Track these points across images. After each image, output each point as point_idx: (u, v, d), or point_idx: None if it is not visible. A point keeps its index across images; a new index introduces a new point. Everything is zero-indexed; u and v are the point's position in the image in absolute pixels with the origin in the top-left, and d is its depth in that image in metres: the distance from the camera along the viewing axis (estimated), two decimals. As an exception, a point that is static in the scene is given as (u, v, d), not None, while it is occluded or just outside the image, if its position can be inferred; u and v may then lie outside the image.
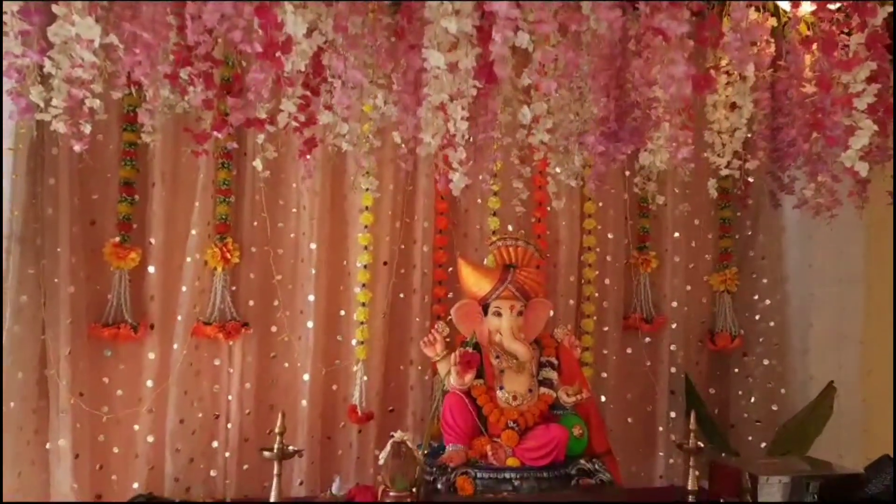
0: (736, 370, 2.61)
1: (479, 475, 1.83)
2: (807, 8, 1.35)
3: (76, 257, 2.02)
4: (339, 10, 1.27)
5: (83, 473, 2.03)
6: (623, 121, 1.70)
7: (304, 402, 2.21)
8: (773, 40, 1.74)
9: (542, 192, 2.34)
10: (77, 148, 1.58)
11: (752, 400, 2.56)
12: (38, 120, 1.53)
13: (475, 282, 2.06)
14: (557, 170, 1.84)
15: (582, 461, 1.89)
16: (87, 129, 1.56)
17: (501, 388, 1.95)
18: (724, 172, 1.70)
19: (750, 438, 2.53)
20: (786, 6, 1.65)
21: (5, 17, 1.32)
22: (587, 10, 1.23)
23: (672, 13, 1.14)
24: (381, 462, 1.78)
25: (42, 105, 1.42)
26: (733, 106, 1.51)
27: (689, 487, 1.86)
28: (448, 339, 2.07)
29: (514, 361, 1.97)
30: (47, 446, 2.02)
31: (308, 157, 1.67)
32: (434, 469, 1.85)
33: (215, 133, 1.47)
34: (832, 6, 1.27)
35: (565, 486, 1.84)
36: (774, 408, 2.53)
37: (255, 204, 2.25)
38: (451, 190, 1.58)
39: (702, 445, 1.87)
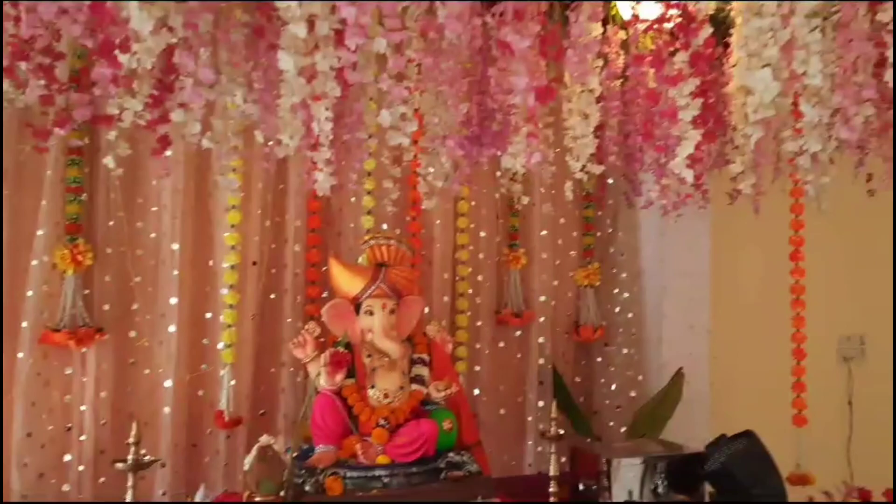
0: (599, 359, 2.78)
1: (348, 475, 1.84)
2: (640, 27, 1.47)
3: None
4: (189, 7, 1.23)
5: None
6: (485, 125, 1.76)
7: (167, 410, 2.13)
8: (622, 52, 1.86)
9: (417, 191, 2.38)
10: None
11: (613, 387, 2.73)
12: None
13: (347, 281, 2.06)
14: (431, 169, 1.89)
15: (451, 454, 1.95)
16: None
17: (373, 387, 1.97)
18: (578, 176, 1.79)
19: (612, 424, 2.70)
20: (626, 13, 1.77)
21: None
22: (443, 19, 1.27)
23: (516, 27, 1.20)
24: (245, 468, 1.76)
25: None
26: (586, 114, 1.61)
27: (552, 473, 1.96)
28: (322, 339, 2.07)
29: (385, 359, 1.99)
30: None
31: (166, 154, 1.61)
32: (303, 471, 1.85)
33: (57, 130, 1.39)
34: (667, 25, 1.38)
35: (435, 480, 1.89)
36: (633, 394, 2.70)
37: (110, 202, 2.14)
38: (317, 190, 1.58)
39: (562, 433, 1.97)
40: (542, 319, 2.63)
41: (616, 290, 2.79)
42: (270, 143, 1.61)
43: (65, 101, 1.39)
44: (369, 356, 2.00)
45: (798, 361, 2.47)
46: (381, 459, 1.88)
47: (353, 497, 1.81)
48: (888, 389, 3.08)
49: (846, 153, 1.92)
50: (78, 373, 2.09)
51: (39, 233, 2.01)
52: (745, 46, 1.43)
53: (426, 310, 2.37)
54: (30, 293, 1.99)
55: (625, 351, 2.75)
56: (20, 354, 1.98)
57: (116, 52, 1.14)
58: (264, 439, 1.77)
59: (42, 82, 1.36)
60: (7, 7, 1.31)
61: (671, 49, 1.41)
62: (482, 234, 2.59)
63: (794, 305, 2.47)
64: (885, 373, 3.11)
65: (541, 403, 2.59)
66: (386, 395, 1.96)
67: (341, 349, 1.97)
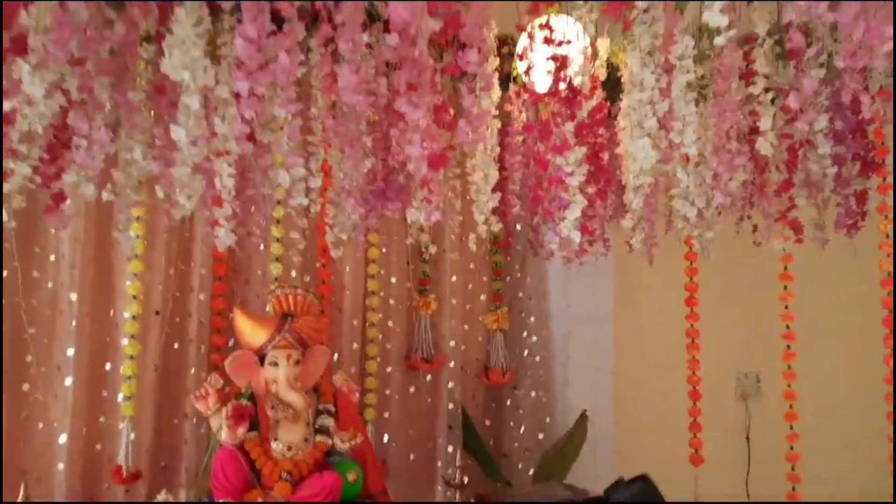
0: (508, 402, 2.85)
1: (250, 530, 1.84)
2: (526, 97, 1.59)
3: None
4: (85, 70, 1.26)
5: None
6: (390, 179, 1.82)
7: (61, 465, 2.08)
8: (523, 111, 1.98)
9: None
10: None
11: (522, 430, 2.81)
12: None
13: (251, 332, 2.07)
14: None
15: (356, 505, 1.97)
16: None
17: (276, 440, 1.98)
18: (482, 229, 1.88)
19: (520, 466, 2.77)
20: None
21: None
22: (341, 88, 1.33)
23: (410, 98, 1.28)
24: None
25: None
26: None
27: (456, 522, 2.01)
28: (226, 390, 2.06)
29: (290, 411, 2.00)
30: None
31: (61, 208, 1.61)
32: (203, 528, 1.84)
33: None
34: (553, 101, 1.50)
35: (338, 533, 1.91)
36: (541, 436, 2.79)
37: (5, 252, 2.10)
38: (217, 245, 1.61)
39: (466, 480, 2.03)
40: (451, 364, 2.70)
41: (525, 334, 2.89)
42: (170, 198, 1.62)
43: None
44: (273, 408, 2.00)
45: (694, 402, 2.61)
46: (284, 513, 1.89)
47: (253, 553, 1.80)
48: (782, 423, 3.29)
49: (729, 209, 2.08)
50: (-36, 430, 2.02)
51: (-77, 284, 1.95)
52: (628, 116, 1.55)
53: (335, 357, 2.42)
54: (-88, 349, 1.92)
55: (533, 394, 2.84)
56: None
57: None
58: (162, 496, 1.75)
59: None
60: None
61: (558, 119, 1.52)
62: (393, 280, 2.65)
63: (690, 348, 2.62)
64: (780, 408, 3.32)
65: (450, 448, 2.64)
66: (290, 448, 1.97)
67: (244, 402, 1.98)
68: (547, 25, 1.51)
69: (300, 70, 1.39)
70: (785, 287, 2.35)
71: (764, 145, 1.60)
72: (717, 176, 1.59)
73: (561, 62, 1.47)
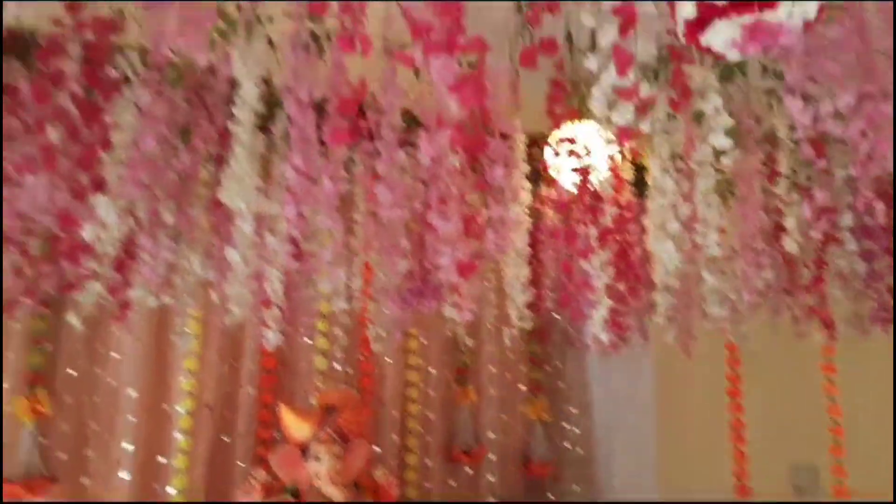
0: (549, 495, 2.85)
1: None
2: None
3: None
4: (152, 194, 1.42)
5: None
6: (426, 280, 1.94)
7: (118, 558, 2.16)
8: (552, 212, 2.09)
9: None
10: None
11: (564, 526, 2.80)
12: None
13: (295, 426, 2.17)
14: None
15: None
16: None
17: (319, 534, 2.04)
18: (517, 324, 1.97)
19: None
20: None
21: None
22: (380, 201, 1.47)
23: (440, 210, 1.41)
24: None
25: None
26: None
27: None
28: (273, 482, 2.14)
29: (331, 505, 2.07)
30: None
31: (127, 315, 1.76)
32: None
33: (27, 301, 1.54)
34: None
35: None
36: (586, 534, 2.77)
37: (73, 353, 2.26)
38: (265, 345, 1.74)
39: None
40: (491, 456, 2.72)
41: (566, 425, 2.91)
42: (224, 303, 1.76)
43: (35, 274, 1.54)
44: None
45: (742, 499, 2.57)
46: None
47: None
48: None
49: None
50: (28, 522, 2.13)
51: (4, 387, 2.11)
52: (653, 218, 1.65)
53: (377, 449, 2.48)
54: (-12, 443, 2.06)
55: (574, 487, 2.83)
56: (-26, 505, 2.02)
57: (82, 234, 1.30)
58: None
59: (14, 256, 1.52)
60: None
61: (581, 225, 1.62)
62: (432, 370, 2.73)
63: (735, 441, 2.61)
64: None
65: (491, 543, 2.64)
66: (332, 543, 2.03)
67: (288, 496, 2.05)
68: (570, 140, 1.64)
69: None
70: (829, 380, 2.34)
71: (790, 244, 1.66)
72: (745, 274, 1.65)
73: (583, 173, 1.59)
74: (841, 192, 1.66)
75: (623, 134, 1.15)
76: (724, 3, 0.96)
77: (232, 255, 1.36)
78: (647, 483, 2.85)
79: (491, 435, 2.75)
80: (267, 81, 1.46)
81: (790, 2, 0.95)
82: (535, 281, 2.05)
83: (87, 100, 1.21)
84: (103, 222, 1.34)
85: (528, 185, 1.78)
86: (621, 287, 1.88)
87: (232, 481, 2.35)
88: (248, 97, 1.25)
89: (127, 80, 1.35)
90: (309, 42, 1.27)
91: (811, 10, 0.95)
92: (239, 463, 2.37)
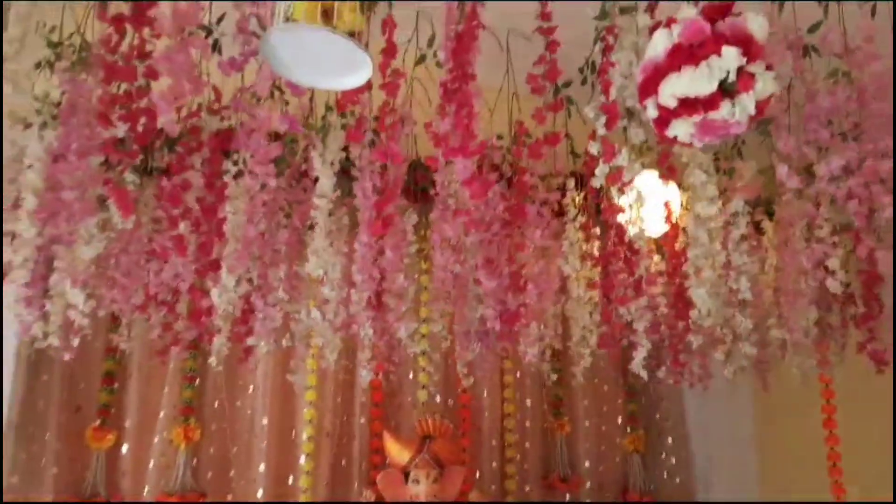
0: (649, 525, 2.97)
1: None
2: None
3: (60, 443, 2.46)
4: (262, 262, 1.81)
5: None
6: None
7: (254, 565, 2.58)
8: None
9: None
10: (66, 357, 2.07)
11: (665, 553, 2.91)
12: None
13: (397, 452, 2.49)
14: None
15: None
16: (76, 342, 2.06)
17: (418, 550, 2.33)
18: (584, 363, 2.17)
19: (664, 590, 2.85)
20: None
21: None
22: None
23: (487, 271, 1.67)
24: None
25: (41, 336, 1.93)
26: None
27: None
28: (380, 502, 2.47)
29: (429, 525, 2.36)
30: None
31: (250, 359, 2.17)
32: None
33: (174, 349, 1.98)
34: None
35: None
36: (686, 562, 2.87)
37: (216, 387, 2.73)
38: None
39: None
40: (588, 485, 2.90)
41: (663, 455, 3.03)
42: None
43: (181, 327, 1.98)
44: (416, 522, 2.37)
45: (843, 530, 2.58)
46: None
47: None
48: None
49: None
50: (184, 531, 2.59)
51: (161, 415, 2.60)
52: (690, 266, 1.82)
53: (476, 475, 2.75)
54: (151, 464, 2.55)
55: (673, 515, 2.94)
56: (141, 516, 2.51)
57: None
58: None
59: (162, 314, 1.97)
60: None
61: (620, 275, 1.82)
62: (528, 402, 2.96)
63: (832, 472, 2.62)
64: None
65: (590, 568, 2.81)
66: (429, 557, 2.32)
67: (391, 515, 2.37)
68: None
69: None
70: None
71: (833, 285, 1.77)
72: (781, 316, 1.78)
73: (617, 229, 1.80)
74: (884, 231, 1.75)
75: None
76: (676, 106, 1.18)
77: (315, 313, 1.71)
78: (749, 512, 2.90)
79: (587, 464, 2.93)
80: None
81: (729, 103, 1.15)
82: (605, 316, 2.25)
83: (206, 200, 1.61)
84: (225, 287, 1.73)
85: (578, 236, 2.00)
86: (681, 325, 2.05)
87: (348, 500, 2.71)
88: (324, 189, 1.60)
89: (239, 174, 1.75)
90: (372, 138, 1.60)
91: (750, 106, 1.15)
92: (355, 484, 2.73)
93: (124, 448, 2.56)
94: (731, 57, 1.12)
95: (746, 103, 1.14)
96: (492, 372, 2.85)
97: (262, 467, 2.66)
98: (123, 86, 1.42)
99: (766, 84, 1.14)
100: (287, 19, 1.00)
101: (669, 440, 3.04)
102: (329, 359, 1.87)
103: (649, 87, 1.19)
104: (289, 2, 1.00)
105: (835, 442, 2.63)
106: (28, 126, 1.78)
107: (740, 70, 1.13)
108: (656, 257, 1.91)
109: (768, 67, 1.15)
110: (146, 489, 2.54)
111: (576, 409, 2.99)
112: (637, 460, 2.99)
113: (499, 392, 2.93)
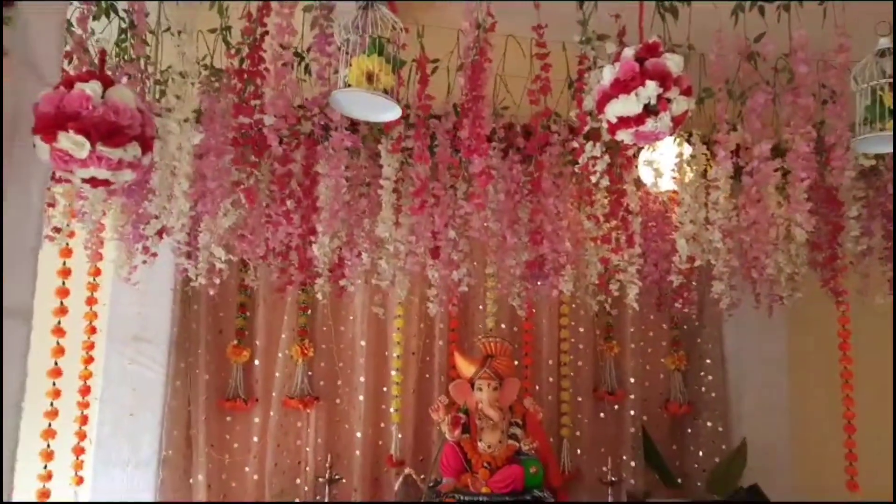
0: (689, 431, 3.52)
1: (461, 498, 2.88)
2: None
3: (209, 355, 3.29)
4: (349, 225, 2.46)
5: (213, 499, 3.23)
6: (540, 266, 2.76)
7: (357, 453, 3.34)
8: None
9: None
10: (211, 292, 2.83)
11: (701, 454, 3.46)
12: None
13: (464, 367, 3.15)
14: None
15: (536, 491, 2.91)
16: (217, 281, 2.81)
17: (481, 441, 3.01)
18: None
19: (699, 484, 3.41)
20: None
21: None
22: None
23: (511, 228, 2.21)
24: (395, 489, 2.88)
25: (193, 277, 2.67)
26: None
27: (610, 510, 2.84)
28: (452, 404, 3.16)
29: (490, 422, 3.02)
30: (191, 480, 3.26)
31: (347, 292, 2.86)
32: (434, 494, 2.93)
33: (288, 287, 2.69)
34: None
35: (521, 507, 2.87)
36: (716, 460, 3.40)
37: (324, 315, 3.47)
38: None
39: (614, 480, 2.84)
40: (632, 397, 3.47)
41: (702, 373, 3.54)
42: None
43: (293, 272, 2.68)
44: (480, 419, 3.05)
45: (850, 435, 3.02)
46: (484, 490, 2.89)
47: (463, 513, 2.84)
48: None
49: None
50: (304, 426, 3.39)
51: (283, 336, 3.37)
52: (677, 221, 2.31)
53: (536, 388, 3.38)
54: (277, 374, 3.35)
55: (709, 424, 3.47)
56: (272, 413, 3.32)
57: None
58: (407, 470, 2.88)
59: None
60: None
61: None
62: (581, 329, 3.53)
63: (844, 388, 3.06)
64: None
65: (633, 464, 3.41)
66: (489, 447, 2.99)
67: (461, 414, 3.05)
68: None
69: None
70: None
71: (801, 234, 2.22)
72: (757, 259, 2.25)
73: (620, 193, 2.29)
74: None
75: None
76: (617, 122, 1.70)
77: (381, 263, 2.34)
78: (780, 425, 3.39)
79: (632, 380, 3.49)
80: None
81: (653, 120, 1.66)
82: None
83: (304, 184, 2.26)
84: (321, 243, 2.40)
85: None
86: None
87: (429, 405, 3.42)
88: (387, 173, 2.20)
89: (334, 151, 2.38)
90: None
91: (667, 122, 1.65)
92: (435, 393, 3.42)
93: (256, 362, 3.36)
94: (652, 88, 1.62)
95: (664, 120, 1.64)
96: (550, 303, 3.44)
97: (361, 378, 3.39)
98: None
99: (679, 105, 1.64)
100: (345, 83, 1.58)
101: (708, 361, 3.54)
102: (399, 294, 2.52)
103: (600, 107, 1.72)
104: (345, 70, 1.58)
105: (848, 362, 3.05)
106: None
107: (659, 96, 1.63)
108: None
109: (683, 93, 1.64)
110: (274, 393, 3.33)
111: (624, 335, 3.54)
112: (678, 377, 3.53)
113: (556, 321, 3.51)
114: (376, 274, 2.74)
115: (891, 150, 1.81)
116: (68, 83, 1.58)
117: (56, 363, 2.85)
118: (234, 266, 3.27)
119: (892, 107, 1.64)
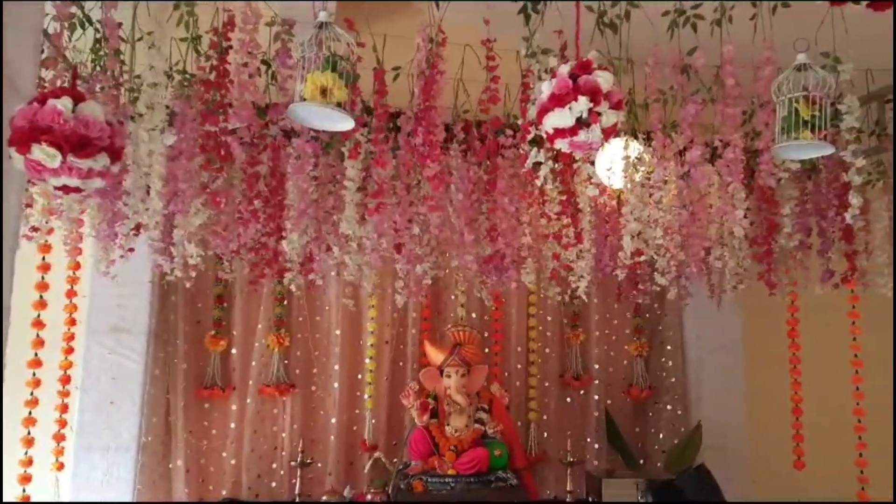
0: (650, 414, 3.71)
1: (429, 480, 3.05)
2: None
3: (187, 345, 3.44)
4: (317, 222, 2.60)
5: (191, 483, 3.39)
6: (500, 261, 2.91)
7: (332, 438, 3.50)
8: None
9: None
10: (187, 284, 2.97)
11: (661, 436, 3.65)
12: (166, 271, 2.95)
13: (434, 355, 3.31)
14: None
15: (500, 472, 3.09)
16: (192, 274, 2.94)
17: (448, 425, 3.18)
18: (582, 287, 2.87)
19: (658, 464, 3.60)
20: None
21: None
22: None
23: (468, 225, 2.37)
24: (365, 471, 3.05)
25: (168, 270, 2.80)
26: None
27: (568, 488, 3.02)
28: (422, 390, 3.33)
29: (457, 407, 3.19)
30: (170, 465, 3.41)
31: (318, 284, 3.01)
32: (402, 476, 3.10)
33: (260, 280, 2.83)
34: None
35: (486, 489, 3.04)
36: (675, 441, 3.59)
37: (300, 306, 3.62)
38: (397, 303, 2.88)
39: (573, 460, 3.02)
40: (597, 382, 3.65)
41: (663, 359, 3.72)
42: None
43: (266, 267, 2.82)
44: (447, 405, 3.21)
45: (797, 417, 3.22)
46: (451, 471, 3.07)
47: (430, 497, 3.01)
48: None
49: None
50: (281, 412, 3.55)
51: (259, 326, 3.52)
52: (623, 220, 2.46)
53: (506, 373, 3.55)
54: (253, 363, 3.50)
55: (669, 408, 3.65)
56: (248, 400, 3.47)
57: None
58: (377, 454, 3.05)
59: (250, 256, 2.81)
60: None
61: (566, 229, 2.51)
62: (549, 318, 3.70)
63: (793, 373, 3.26)
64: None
65: (596, 445, 3.59)
66: (456, 431, 3.16)
67: (429, 399, 3.22)
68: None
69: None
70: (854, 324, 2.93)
71: (738, 230, 2.38)
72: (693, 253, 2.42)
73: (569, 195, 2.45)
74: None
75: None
76: (553, 132, 1.84)
77: (346, 259, 2.49)
78: (735, 408, 3.58)
79: (596, 366, 3.66)
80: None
81: (585, 131, 1.80)
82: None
83: (271, 184, 2.40)
84: (290, 239, 2.54)
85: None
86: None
87: (400, 391, 3.58)
88: (351, 174, 2.34)
89: (298, 157, 2.51)
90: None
91: (598, 133, 1.80)
92: (408, 380, 3.58)
93: (233, 351, 3.51)
94: (583, 102, 1.77)
95: (595, 132, 1.79)
96: (518, 293, 3.60)
97: (336, 366, 3.55)
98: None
99: (608, 118, 1.78)
100: (301, 98, 1.72)
101: (668, 347, 3.72)
102: (366, 287, 2.68)
103: (539, 118, 1.86)
104: (301, 85, 1.72)
105: (796, 348, 3.24)
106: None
107: (590, 110, 1.78)
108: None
109: (613, 107, 1.79)
110: (250, 381, 3.49)
111: (589, 323, 3.71)
112: (640, 363, 3.70)
113: (525, 310, 3.67)
114: (345, 268, 2.90)
115: (806, 157, 1.97)
116: (42, 99, 1.71)
117: (36, 354, 2.98)
118: (211, 259, 3.42)
119: (806, 118, 1.80)
